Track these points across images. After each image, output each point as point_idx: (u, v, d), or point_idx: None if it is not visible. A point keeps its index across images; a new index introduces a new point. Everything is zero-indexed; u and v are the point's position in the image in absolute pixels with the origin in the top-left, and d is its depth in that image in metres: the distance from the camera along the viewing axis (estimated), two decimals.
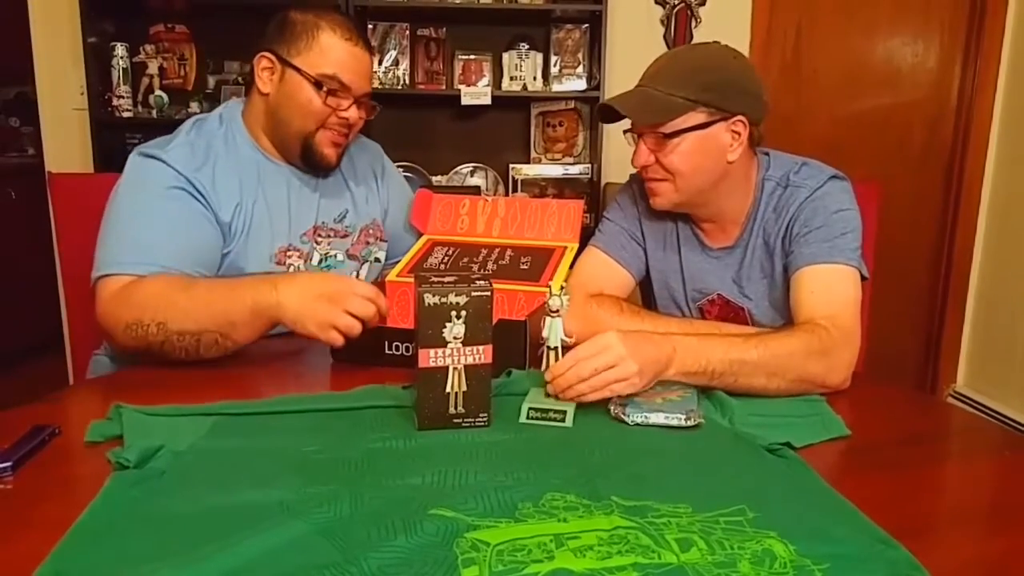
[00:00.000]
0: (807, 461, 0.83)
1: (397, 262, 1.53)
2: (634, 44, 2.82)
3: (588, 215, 2.66)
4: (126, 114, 2.65)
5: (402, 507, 0.71)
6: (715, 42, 1.29)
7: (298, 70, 1.29)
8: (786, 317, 1.29)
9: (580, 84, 2.81)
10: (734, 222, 1.32)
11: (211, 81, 2.80)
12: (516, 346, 1.11)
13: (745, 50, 2.87)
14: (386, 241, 1.51)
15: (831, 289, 1.18)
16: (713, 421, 0.94)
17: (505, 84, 2.80)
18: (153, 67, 2.72)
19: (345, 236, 1.43)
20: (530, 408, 0.94)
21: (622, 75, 2.73)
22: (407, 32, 2.76)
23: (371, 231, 1.48)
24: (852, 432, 0.92)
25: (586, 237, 1.40)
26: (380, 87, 2.73)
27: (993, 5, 2.90)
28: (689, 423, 0.92)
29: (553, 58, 2.82)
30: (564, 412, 0.93)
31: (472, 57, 2.82)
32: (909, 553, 0.64)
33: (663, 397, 0.98)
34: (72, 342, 2.29)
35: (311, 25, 1.29)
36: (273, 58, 1.31)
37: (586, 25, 2.79)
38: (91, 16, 2.52)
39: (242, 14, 2.44)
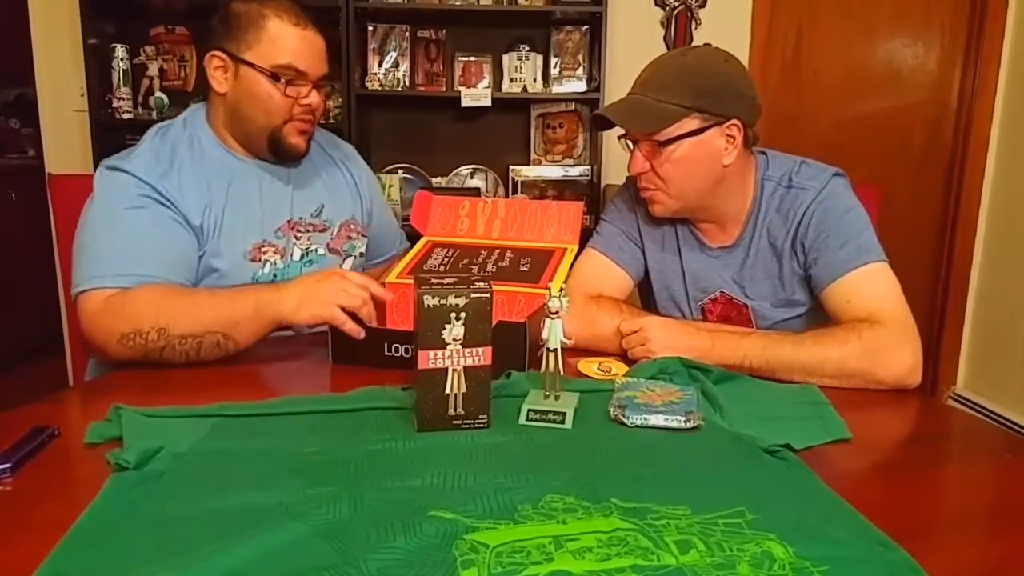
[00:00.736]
0: (807, 463, 0.83)
1: (386, 261, 1.56)
2: (634, 46, 2.82)
3: (588, 217, 2.66)
4: (126, 116, 2.65)
5: (401, 509, 0.71)
6: (706, 45, 1.30)
7: (252, 65, 1.26)
8: (788, 322, 1.31)
9: (580, 86, 2.81)
10: (734, 222, 1.33)
11: None
12: (516, 348, 1.11)
13: (745, 52, 2.88)
14: (366, 237, 1.52)
15: (866, 292, 1.20)
16: (713, 423, 0.94)
17: (505, 86, 2.80)
18: (153, 69, 2.73)
19: (324, 230, 1.43)
20: (529, 410, 0.94)
21: (622, 77, 2.73)
22: (407, 34, 2.76)
23: (351, 226, 1.48)
24: (851, 435, 0.92)
25: (586, 239, 1.40)
26: (380, 88, 2.73)
27: (993, 7, 2.90)
28: (688, 425, 0.92)
29: (553, 60, 2.82)
30: (563, 414, 0.93)
31: (472, 59, 2.82)
32: (908, 556, 0.64)
33: (663, 399, 0.98)
34: (72, 343, 2.30)
35: (256, 15, 1.26)
36: (224, 56, 1.28)
37: (586, 27, 2.80)
38: (91, 17, 2.53)
39: None
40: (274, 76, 1.26)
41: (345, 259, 1.45)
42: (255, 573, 0.61)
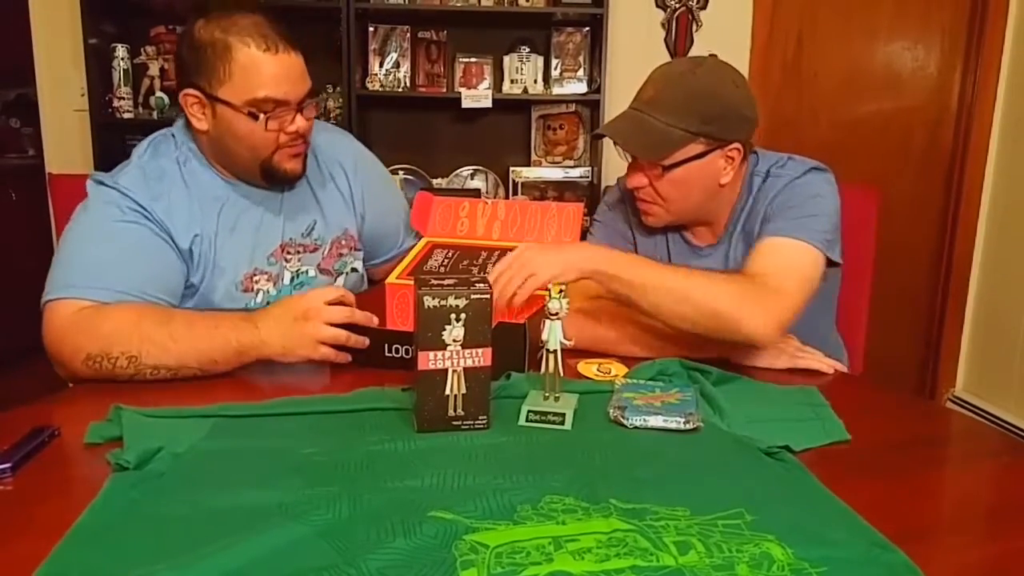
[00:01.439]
0: (806, 465, 0.83)
1: (391, 259, 1.53)
2: (635, 47, 2.82)
3: (588, 218, 2.66)
4: (127, 115, 2.65)
5: (401, 509, 0.71)
6: (712, 56, 1.29)
7: (227, 104, 1.18)
8: None
9: (581, 87, 2.82)
10: (720, 222, 1.35)
11: None
12: (516, 349, 1.11)
13: (746, 54, 2.88)
14: (360, 250, 1.45)
15: (778, 255, 1.19)
16: (712, 424, 0.94)
17: (506, 87, 2.80)
18: (154, 68, 2.72)
19: (315, 250, 1.37)
20: (529, 411, 0.94)
21: (623, 78, 2.74)
22: (408, 35, 2.76)
23: (343, 242, 1.41)
24: (850, 437, 0.92)
25: (585, 239, 1.41)
26: (381, 89, 2.73)
27: (994, 10, 2.90)
28: (688, 426, 0.92)
29: (554, 61, 2.82)
30: (563, 415, 0.93)
31: (473, 60, 2.82)
32: (907, 557, 0.64)
33: (662, 400, 0.98)
34: None
35: (222, 47, 1.16)
36: (198, 94, 1.20)
37: (587, 28, 2.80)
38: (92, 17, 2.52)
39: None
40: (252, 115, 1.18)
41: (337, 278, 1.40)
42: (255, 573, 0.61)
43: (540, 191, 2.86)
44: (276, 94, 1.19)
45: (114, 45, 2.62)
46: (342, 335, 1.11)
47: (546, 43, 2.83)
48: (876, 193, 1.70)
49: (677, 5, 2.87)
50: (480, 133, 2.92)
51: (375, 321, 1.15)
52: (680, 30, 2.87)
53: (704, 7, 2.87)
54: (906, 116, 3.05)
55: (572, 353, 1.10)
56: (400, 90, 2.76)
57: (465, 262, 1.29)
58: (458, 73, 2.83)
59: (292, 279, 1.34)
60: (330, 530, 0.68)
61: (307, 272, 1.36)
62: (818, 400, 1.04)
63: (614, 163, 2.80)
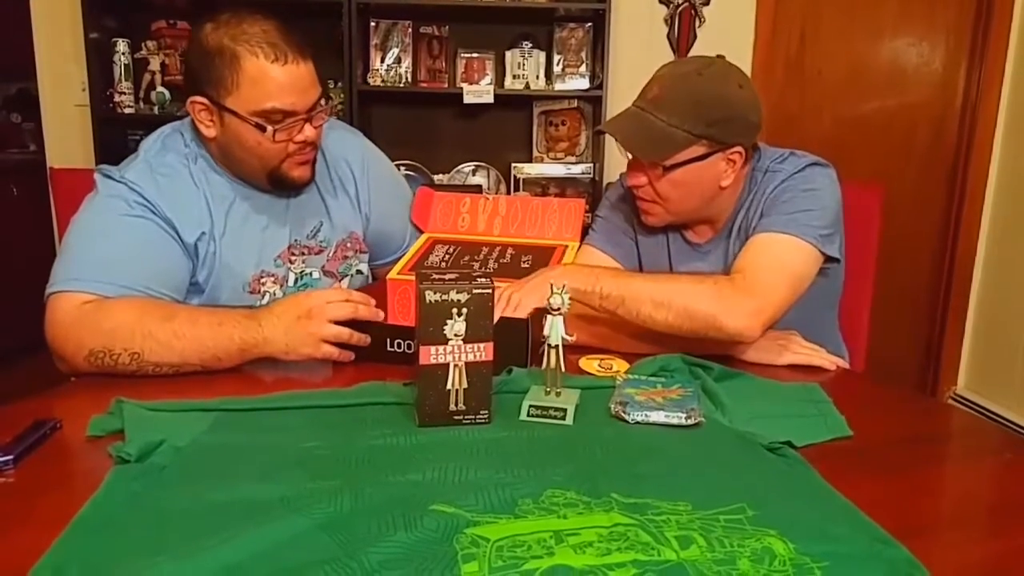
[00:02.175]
0: (808, 460, 0.83)
1: (397, 259, 1.53)
2: (638, 43, 2.82)
3: (589, 214, 2.66)
4: (128, 110, 2.65)
5: (402, 503, 0.71)
6: (720, 58, 1.28)
7: (235, 114, 1.18)
8: None
9: (583, 83, 2.81)
10: (721, 220, 1.34)
11: None
12: (518, 344, 1.11)
13: (749, 50, 2.88)
14: (366, 252, 1.45)
15: (766, 251, 1.19)
16: (713, 420, 0.94)
17: (508, 82, 2.80)
18: (155, 63, 2.72)
19: (320, 252, 1.37)
20: (531, 406, 0.94)
21: (625, 74, 2.73)
22: (409, 30, 2.76)
23: (348, 244, 1.41)
24: (852, 433, 0.92)
25: (586, 236, 1.40)
26: (382, 85, 2.73)
27: (999, 7, 2.89)
28: (689, 422, 0.92)
29: (556, 57, 2.82)
30: (564, 410, 0.93)
31: (475, 55, 2.82)
32: (909, 552, 0.64)
33: (664, 396, 0.98)
34: None
35: (229, 56, 1.15)
36: (206, 101, 1.20)
37: (589, 24, 2.79)
38: (93, 12, 2.53)
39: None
40: (259, 126, 1.18)
41: (341, 280, 1.40)
42: (256, 566, 0.61)
43: (542, 187, 2.86)
44: (284, 105, 1.18)
45: (115, 40, 2.62)
46: (345, 333, 1.11)
47: (548, 39, 2.83)
48: (879, 190, 1.70)
49: (680, 1, 2.86)
50: (482, 129, 2.92)
51: (381, 315, 1.14)
52: (683, 26, 2.86)
53: (707, 3, 2.87)
54: (910, 113, 3.04)
55: (574, 349, 1.10)
56: (401, 85, 2.76)
57: (466, 258, 1.29)
58: (460, 68, 2.82)
59: (296, 280, 1.33)
60: (331, 523, 0.68)
61: (311, 274, 1.35)
62: (820, 396, 1.04)
63: (616, 160, 2.79)
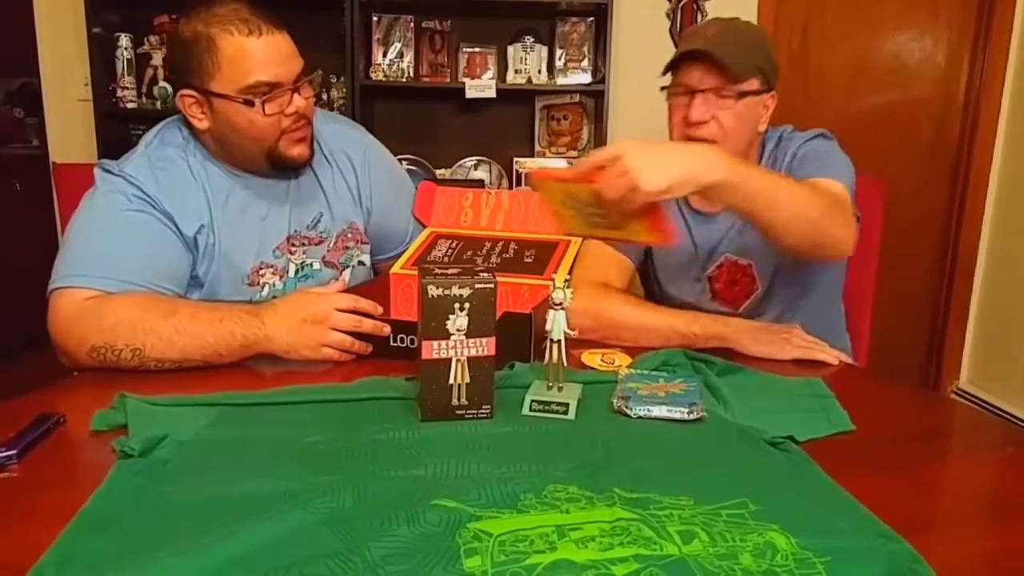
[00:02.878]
0: (810, 455, 0.83)
1: (399, 255, 1.53)
2: (640, 38, 2.81)
3: None
4: (130, 105, 2.64)
5: (405, 498, 0.71)
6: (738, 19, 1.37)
7: (222, 96, 1.18)
8: (788, 271, 1.36)
9: (585, 77, 2.80)
10: None
11: None
12: (521, 339, 1.11)
13: None
14: (368, 243, 1.45)
15: (825, 187, 1.22)
16: (715, 415, 0.94)
17: (510, 77, 2.79)
18: (157, 58, 2.71)
19: (320, 243, 1.36)
20: (533, 400, 0.94)
21: (627, 69, 2.72)
22: (411, 25, 2.75)
23: (349, 235, 1.40)
24: (855, 428, 0.92)
25: None
26: (384, 79, 2.72)
27: (1001, 2, 2.88)
28: (691, 416, 0.92)
29: (558, 51, 2.81)
30: (566, 405, 0.93)
31: (477, 50, 2.81)
32: (911, 547, 0.64)
33: (666, 391, 0.98)
34: None
35: (206, 40, 1.17)
36: (193, 93, 1.20)
37: (592, 18, 2.78)
38: (95, 7, 2.52)
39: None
40: (247, 102, 1.17)
41: (342, 271, 1.39)
42: (259, 560, 0.61)
43: None
44: (267, 76, 1.18)
45: (117, 34, 2.61)
46: (347, 341, 1.12)
47: (550, 33, 2.82)
48: (882, 185, 1.69)
49: None
50: (484, 124, 2.91)
51: (386, 331, 1.14)
52: (685, 20, 2.85)
53: None
54: (912, 108, 3.03)
55: (576, 343, 1.10)
56: (404, 80, 2.75)
57: (468, 252, 1.29)
58: (462, 63, 2.82)
59: (297, 272, 1.33)
60: (334, 518, 0.68)
61: (312, 265, 1.35)
62: (823, 391, 1.04)
63: None
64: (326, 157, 1.39)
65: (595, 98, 2.81)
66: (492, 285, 0.89)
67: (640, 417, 0.93)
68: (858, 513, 0.71)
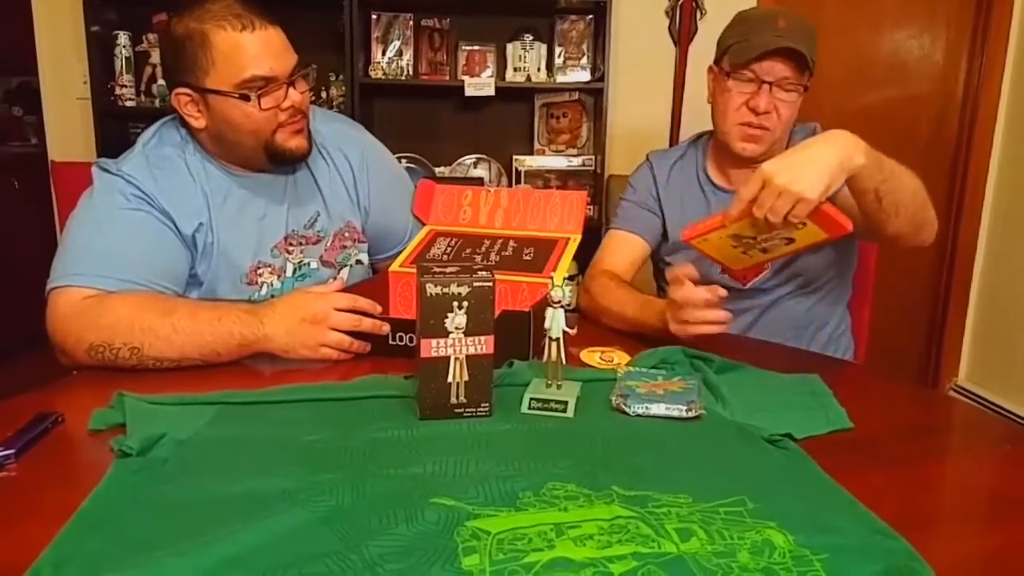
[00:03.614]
0: (808, 453, 0.83)
1: (398, 254, 1.52)
2: (639, 36, 2.81)
3: (591, 207, 2.66)
4: (129, 103, 2.64)
5: (403, 496, 0.71)
6: None
7: (217, 92, 1.18)
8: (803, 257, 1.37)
9: (584, 75, 2.80)
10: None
11: None
12: (521, 337, 1.11)
13: None
14: (365, 242, 1.44)
15: None
16: (714, 412, 0.94)
17: (509, 75, 2.79)
18: (156, 56, 2.70)
19: (317, 242, 1.36)
20: (532, 398, 0.94)
21: (626, 66, 2.72)
22: (411, 22, 2.75)
23: (346, 234, 1.40)
24: (853, 425, 0.92)
25: (589, 229, 1.40)
26: (384, 77, 2.72)
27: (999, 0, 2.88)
28: (690, 414, 0.92)
29: (557, 49, 2.81)
30: (565, 403, 0.93)
31: (476, 48, 2.81)
32: (908, 544, 0.64)
33: (665, 388, 0.98)
34: None
35: (199, 37, 1.16)
36: (188, 91, 1.20)
37: (590, 16, 2.78)
38: (94, 5, 2.52)
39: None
40: (243, 96, 1.17)
41: (340, 270, 1.39)
42: (257, 559, 0.61)
43: (543, 180, 2.86)
44: (262, 71, 1.18)
45: (116, 33, 2.61)
46: (346, 341, 1.12)
47: (549, 31, 2.82)
48: None
49: None
50: (483, 122, 2.91)
51: (385, 329, 1.14)
52: (684, 18, 2.85)
53: None
54: (911, 105, 3.03)
55: (575, 341, 1.10)
56: (403, 78, 2.75)
57: (468, 250, 1.29)
58: (461, 61, 2.81)
59: (294, 271, 1.33)
60: (332, 516, 0.68)
61: (309, 264, 1.35)
62: (821, 388, 1.04)
63: (617, 152, 2.79)
64: (323, 156, 1.39)
65: (594, 96, 2.81)
66: (491, 283, 0.89)
67: (639, 415, 0.93)
68: (856, 511, 0.71)
